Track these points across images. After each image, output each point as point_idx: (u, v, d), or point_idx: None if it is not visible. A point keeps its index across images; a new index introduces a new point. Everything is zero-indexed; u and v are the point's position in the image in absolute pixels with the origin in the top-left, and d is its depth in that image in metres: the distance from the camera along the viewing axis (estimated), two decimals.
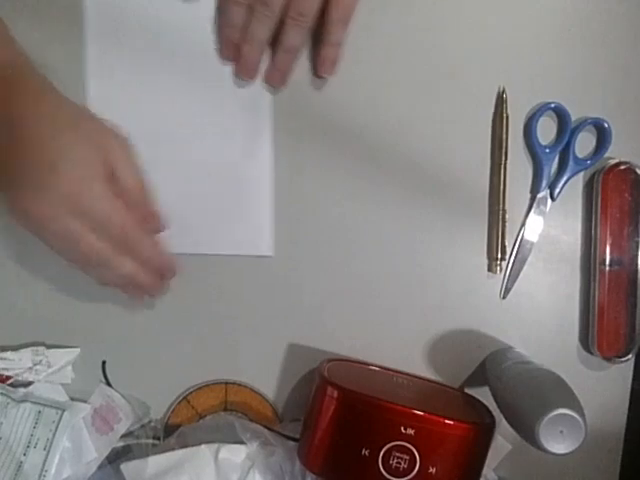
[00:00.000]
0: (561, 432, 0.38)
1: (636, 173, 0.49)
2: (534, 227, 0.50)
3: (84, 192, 0.39)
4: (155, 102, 0.48)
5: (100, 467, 0.48)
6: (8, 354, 0.49)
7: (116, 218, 0.41)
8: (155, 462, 0.46)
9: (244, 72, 0.48)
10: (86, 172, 0.40)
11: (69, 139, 0.40)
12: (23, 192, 0.39)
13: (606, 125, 0.49)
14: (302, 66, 0.49)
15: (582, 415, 0.38)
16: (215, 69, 0.48)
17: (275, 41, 0.46)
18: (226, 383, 0.51)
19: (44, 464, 0.46)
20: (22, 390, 0.48)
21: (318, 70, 0.48)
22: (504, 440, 0.49)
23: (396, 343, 0.51)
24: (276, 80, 0.48)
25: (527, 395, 0.41)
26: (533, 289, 0.51)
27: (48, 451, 0.46)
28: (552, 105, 0.49)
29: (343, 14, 0.45)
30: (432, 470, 0.41)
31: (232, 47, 0.47)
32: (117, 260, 0.42)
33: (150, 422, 0.51)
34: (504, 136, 0.49)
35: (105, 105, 0.46)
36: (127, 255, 0.42)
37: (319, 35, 0.46)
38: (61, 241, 0.41)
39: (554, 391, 0.41)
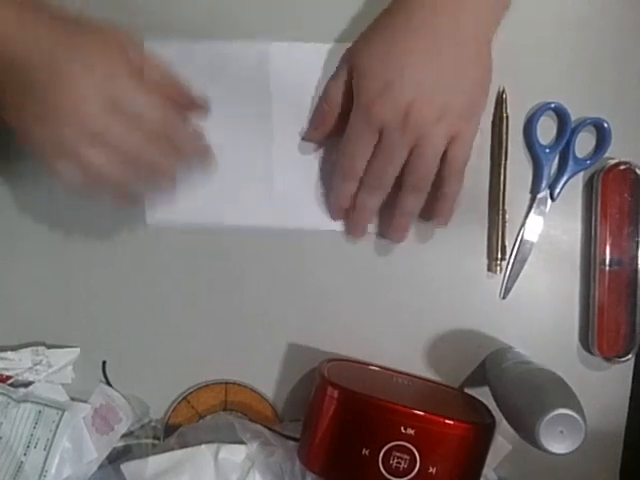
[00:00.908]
0: (561, 432, 0.38)
1: (636, 173, 0.49)
2: (534, 227, 0.50)
3: (115, 87, 0.39)
4: None
5: (100, 467, 0.48)
6: (8, 354, 0.49)
7: (153, 110, 0.40)
8: (155, 462, 0.46)
9: (352, 233, 0.49)
10: (110, 68, 0.39)
11: (81, 43, 0.39)
12: (45, 100, 0.38)
13: (606, 125, 0.49)
14: None
15: (582, 415, 0.38)
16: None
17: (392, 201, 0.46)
18: (226, 383, 0.51)
19: (44, 464, 0.46)
20: (22, 390, 0.48)
21: (434, 222, 0.48)
22: (504, 440, 0.49)
23: (396, 343, 0.51)
24: (396, 239, 0.49)
25: (527, 395, 0.41)
26: (533, 289, 0.51)
27: (48, 451, 0.46)
28: (552, 105, 0.49)
29: (457, 169, 0.45)
30: (432, 470, 0.41)
31: (341, 211, 0.49)
32: (156, 155, 0.42)
33: (150, 422, 0.51)
34: (504, 136, 0.49)
35: None
36: (168, 148, 0.42)
37: (433, 186, 0.45)
38: (100, 143, 0.39)
39: (554, 391, 0.41)
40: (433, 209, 0.47)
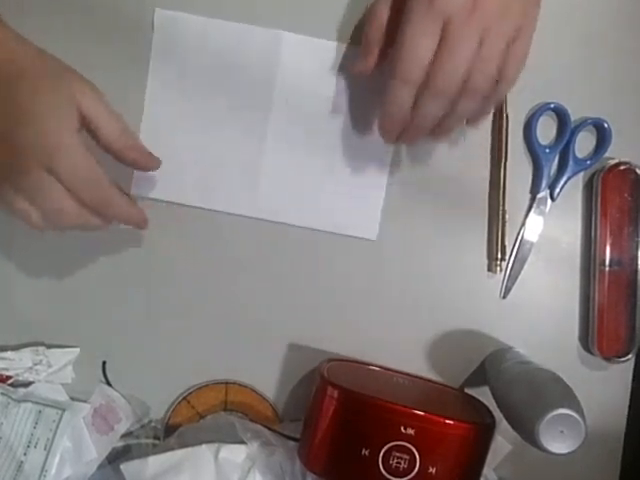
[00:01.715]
0: (561, 432, 0.38)
1: (636, 173, 0.49)
2: (534, 227, 0.50)
3: (56, 145, 0.38)
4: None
5: (100, 467, 0.48)
6: (8, 354, 0.49)
7: (88, 173, 0.40)
8: (155, 462, 0.46)
9: (407, 140, 0.45)
10: (57, 124, 0.39)
11: (35, 89, 0.38)
12: None
13: (606, 125, 0.49)
14: None
15: (582, 415, 0.38)
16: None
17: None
18: (226, 383, 0.51)
19: (44, 464, 0.46)
20: (22, 390, 0.48)
21: (470, 121, 0.45)
22: (504, 440, 0.49)
23: (396, 343, 0.51)
24: (439, 138, 0.45)
25: (527, 395, 0.41)
26: (533, 289, 0.51)
27: (48, 451, 0.46)
28: (552, 105, 0.49)
29: (516, 70, 0.42)
30: (432, 470, 0.41)
31: (398, 126, 0.43)
32: (88, 218, 0.41)
33: (150, 422, 0.51)
34: (504, 136, 0.49)
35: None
36: (99, 211, 0.41)
37: None
38: (31, 197, 0.40)
39: (554, 391, 0.41)
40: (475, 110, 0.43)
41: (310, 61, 0.48)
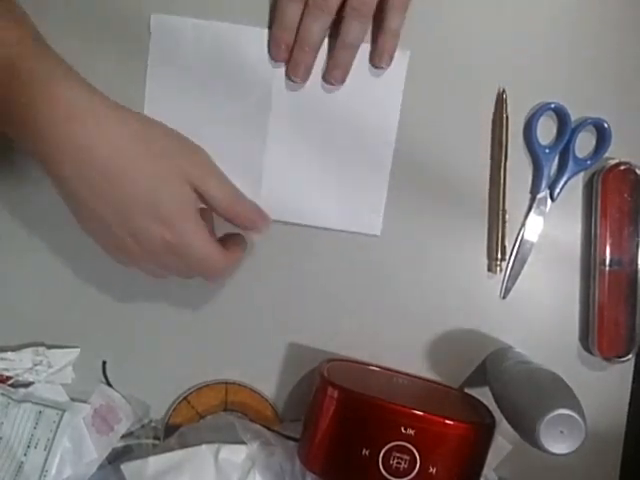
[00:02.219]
0: (561, 432, 0.38)
1: (636, 173, 0.49)
2: (534, 227, 0.50)
3: (178, 232, 0.39)
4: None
5: (100, 467, 0.48)
6: (8, 354, 0.49)
7: (214, 259, 0.41)
8: (155, 462, 0.46)
9: (296, 74, 0.47)
10: (180, 214, 0.39)
11: (149, 172, 0.38)
12: (111, 229, 0.39)
13: (606, 125, 0.49)
14: None
15: (582, 415, 0.38)
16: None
17: (332, 37, 0.46)
18: (226, 383, 0.51)
19: (44, 464, 0.46)
20: (22, 390, 0.48)
21: (376, 61, 0.47)
22: (504, 440, 0.49)
23: (396, 343, 0.51)
24: (337, 78, 0.47)
25: (527, 395, 0.41)
26: (533, 289, 0.51)
27: (48, 451, 0.46)
28: (552, 105, 0.49)
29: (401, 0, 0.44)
30: (432, 470, 0.41)
31: (284, 49, 0.46)
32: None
33: (150, 422, 0.51)
34: (504, 136, 0.49)
35: None
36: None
37: (375, 24, 0.46)
38: (150, 270, 0.43)
39: (554, 391, 0.41)
40: (375, 48, 0.46)
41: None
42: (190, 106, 0.48)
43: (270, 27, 0.47)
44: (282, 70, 0.48)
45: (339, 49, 0.46)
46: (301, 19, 0.44)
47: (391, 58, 0.47)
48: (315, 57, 0.47)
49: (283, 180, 0.49)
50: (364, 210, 0.49)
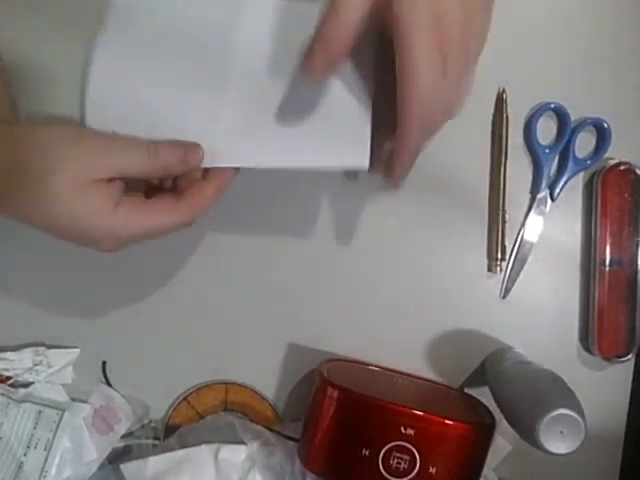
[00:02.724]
0: (561, 432, 0.38)
1: (636, 173, 0.49)
2: (534, 227, 0.50)
3: (95, 239, 0.39)
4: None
5: (100, 467, 0.48)
6: (8, 354, 0.49)
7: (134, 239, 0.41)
8: (155, 462, 0.46)
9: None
10: (87, 210, 0.38)
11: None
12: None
13: (606, 125, 0.49)
14: None
15: (582, 415, 0.38)
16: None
17: None
18: (226, 383, 0.51)
19: (44, 464, 0.46)
20: (22, 390, 0.48)
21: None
22: (504, 440, 0.49)
23: (396, 343, 0.51)
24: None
25: (527, 395, 0.41)
26: (533, 289, 0.51)
27: (48, 451, 0.46)
28: (552, 105, 0.49)
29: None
30: (432, 470, 0.41)
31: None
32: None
33: (150, 422, 0.51)
34: (504, 136, 0.49)
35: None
36: None
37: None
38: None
39: (554, 391, 0.41)
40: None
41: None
42: (142, 64, 0.43)
43: None
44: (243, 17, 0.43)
45: None
46: None
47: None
48: None
49: (256, 124, 0.43)
50: (348, 143, 0.43)
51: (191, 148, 0.42)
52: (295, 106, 0.43)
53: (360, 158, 0.43)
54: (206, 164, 0.42)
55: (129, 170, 0.39)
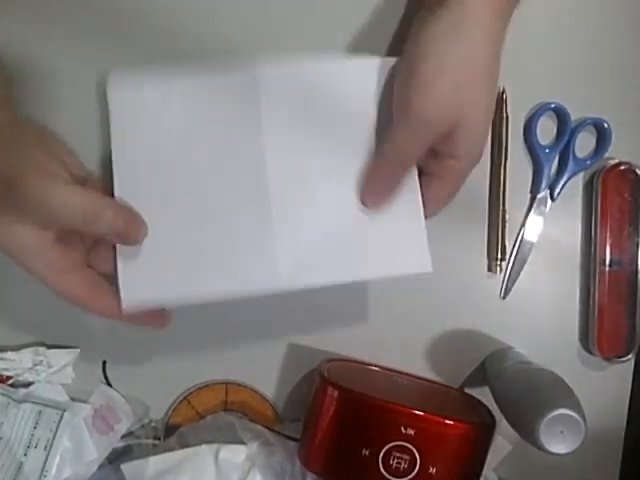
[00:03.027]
0: (561, 432, 0.38)
1: (636, 173, 0.49)
2: (534, 227, 0.50)
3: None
4: None
5: (100, 467, 0.48)
6: (8, 354, 0.49)
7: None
8: (155, 462, 0.46)
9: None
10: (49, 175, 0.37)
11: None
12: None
13: (606, 125, 0.49)
14: None
15: (582, 415, 0.38)
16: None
17: None
18: (226, 383, 0.51)
19: (44, 464, 0.46)
20: (22, 390, 0.48)
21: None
22: (504, 440, 0.49)
23: (396, 343, 0.51)
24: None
25: (527, 395, 0.41)
26: (533, 289, 0.51)
27: (48, 451, 0.46)
28: (552, 105, 0.49)
29: None
30: (432, 470, 0.41)
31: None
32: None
33: (150, 422, 0.51)
34: (504, 136, 0.49)
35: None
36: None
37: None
38: None
39: (554, 391, 0.41)
40: None
41: (298, 88, 0.41)
42: (164, 175, 0.41)
43: None
44: (268, 110, 0.41)
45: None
46: None
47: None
48: None
49: (302, 239, 0.40)
50: (405, 246, 0.42)
51: (133, 223, 0.39)
52: (348, 220, 0.41)
53: (423, 263, 0.42)
54: (269, 289, 0.40)
55: (64, 226, 0.38)
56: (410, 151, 0.39)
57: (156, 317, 0.44)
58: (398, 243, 0.42)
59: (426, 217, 0.43)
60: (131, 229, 0.39)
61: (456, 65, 0.38)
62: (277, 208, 0.40)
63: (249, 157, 0.41)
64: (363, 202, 0.41)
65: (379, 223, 0.41)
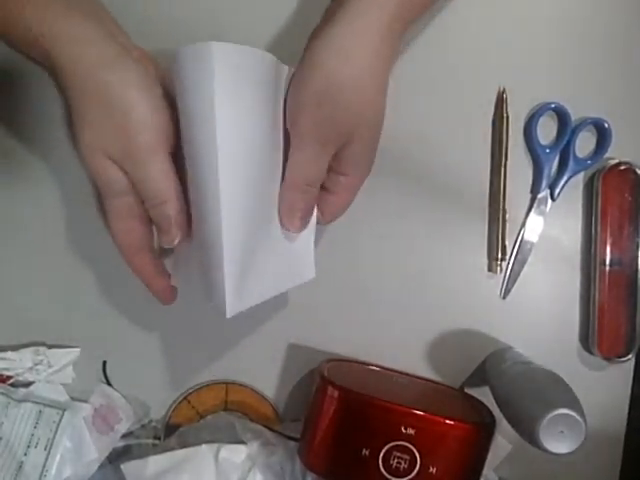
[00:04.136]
0: (561, 432, 0.38)
1: (636, 173, 0.49)
2: (534, 227, 0.50)
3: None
4: None
5: (101, 467, 0.48)
6: (9, 354, 0.49)
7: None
8: (155, 462, 0.46)
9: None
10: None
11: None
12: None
13: (606, 125, 0.49)
14: None
15: (582, 415, 0.38)
16: None
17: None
18: (226, 383, 0.51)
19: (45, 464, 0.46)
20: (23, 390, 0.48)
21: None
22: (504, 440, 0.49)
23: (396, 343, 0.51)
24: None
25: (527, 395, 0.41)
26: (533, 289, 0.51)
27: (49, 451, 0.46)
28: (552, 105, 0.49)
29: None
30: (432, 470, 0.41)
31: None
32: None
33: (150, 422, 0.51)
34: (504, 136, 0.49)
35: None
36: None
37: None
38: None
39: (554, 391, 0.41)
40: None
41: (250, 70, 0.38)
42: None
43: None
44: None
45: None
46: None
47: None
48: None
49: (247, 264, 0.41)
50: (299, 261, 0.45)
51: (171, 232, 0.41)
52: (260, 243, 0.41)
53: (308, 272, 0.45)
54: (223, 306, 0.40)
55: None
56: (313, 175, 0.41)
57: (169, 294, 0.46)
58: (293, 259, 0.44)
59: (324, 224, 0.45)
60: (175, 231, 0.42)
61: (342, 85, 0.38)
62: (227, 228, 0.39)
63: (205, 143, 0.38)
64: (282, 224, 0.43)
65: (277, 247, 0.43)
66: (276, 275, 0.43)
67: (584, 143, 0.50)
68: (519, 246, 0.50)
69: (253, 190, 0.40)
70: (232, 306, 0.40)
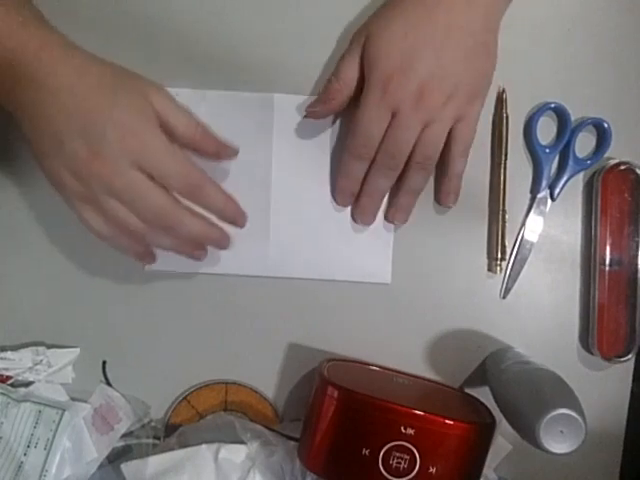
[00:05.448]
0: (561, 432, 0.38)
1: (636, 173, 0.49)
2: (534, 227, 0.50)
3: (143, 144, 0.40)
4: None
5: (100, 467, 0.48)
6: (8, 354, 0.49)
7: (181, 167, 0.41)
8: (155, 462, 0.46)
9: (362, 220, 0.49)
10: (140, 124, 0.40)
11: (112, 97, 0.40)
12: (76, 153, 0.39)
13: (606, 125, 0.49)
14: None
15: (582, 415, 0.38)
16: None
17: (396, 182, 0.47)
18: (226, 383, 0.51)
19: (44, 464, 0.46)
20: (22, 390, 0.48)
21: (442, 201, 0.49)
22: (504, 440, 0.49)
23: (396, 343, 0.51)
24: (400, 219, 0.49)
25: (527, 395, 0.41)
26: (533, 289, 0.51)
27: (48, 451, 0.46)
28: (552, 105, 0.49)
29: (463, 148, 0.46)
30: (432, 470, 0.41)
31: (349, 196, 0.49)
32: (187, 217, 0.42)
33: (150, 422, 0.51)
34: (504, 136, 0.49)
35: None
36: (193, 200, 0.43)
37: (439, 168, 0.48)
38: (127, 199, 0.40)
39: (554, 391, 0.41)
40: (441, 190, 0.49)
41: (302, 117, 0.49)
42: None
43: (336, 175, 0.49)
44: (279, 130, 0.49)
45: (403, 194, 0.48)
46: (368, 170, 0.47)
47: (457, 197, 0.49)
48: (381, 202, 0.49)
49: (289, 237, 0.49)
50: (372, 259, 0.50)
51: (228, 148, 0.46)
52: (329, 227, 0.50)
53: (384, 275, 0.50)
54: (257, 272, 0.50)
55: (175, 123, 0.42)
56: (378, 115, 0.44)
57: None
58: (368, 253, 0.50)
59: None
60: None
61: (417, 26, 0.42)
62: (275, 216, 0.49)
63: (259, 166, 0.49)
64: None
65: (355, 234, 0.50)
66: (344, 261, 0.50)
67: (584, 143, 0.50)
68: (519, 246, 0.50)
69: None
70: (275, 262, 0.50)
